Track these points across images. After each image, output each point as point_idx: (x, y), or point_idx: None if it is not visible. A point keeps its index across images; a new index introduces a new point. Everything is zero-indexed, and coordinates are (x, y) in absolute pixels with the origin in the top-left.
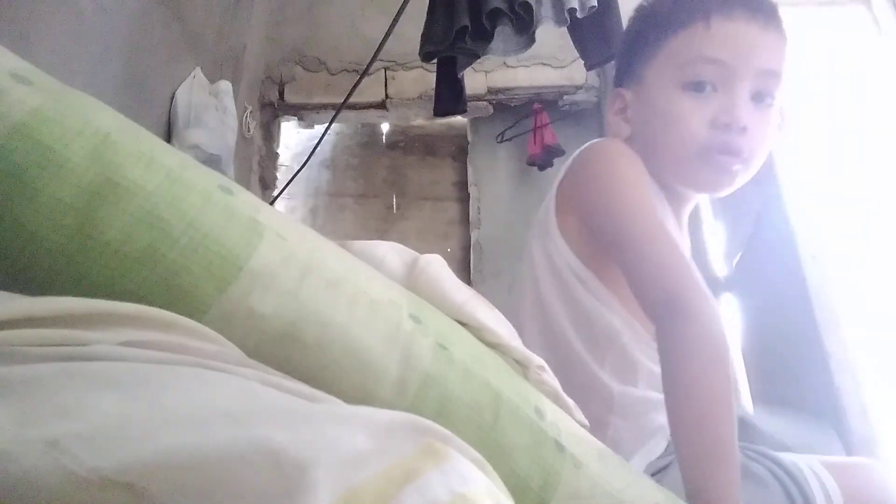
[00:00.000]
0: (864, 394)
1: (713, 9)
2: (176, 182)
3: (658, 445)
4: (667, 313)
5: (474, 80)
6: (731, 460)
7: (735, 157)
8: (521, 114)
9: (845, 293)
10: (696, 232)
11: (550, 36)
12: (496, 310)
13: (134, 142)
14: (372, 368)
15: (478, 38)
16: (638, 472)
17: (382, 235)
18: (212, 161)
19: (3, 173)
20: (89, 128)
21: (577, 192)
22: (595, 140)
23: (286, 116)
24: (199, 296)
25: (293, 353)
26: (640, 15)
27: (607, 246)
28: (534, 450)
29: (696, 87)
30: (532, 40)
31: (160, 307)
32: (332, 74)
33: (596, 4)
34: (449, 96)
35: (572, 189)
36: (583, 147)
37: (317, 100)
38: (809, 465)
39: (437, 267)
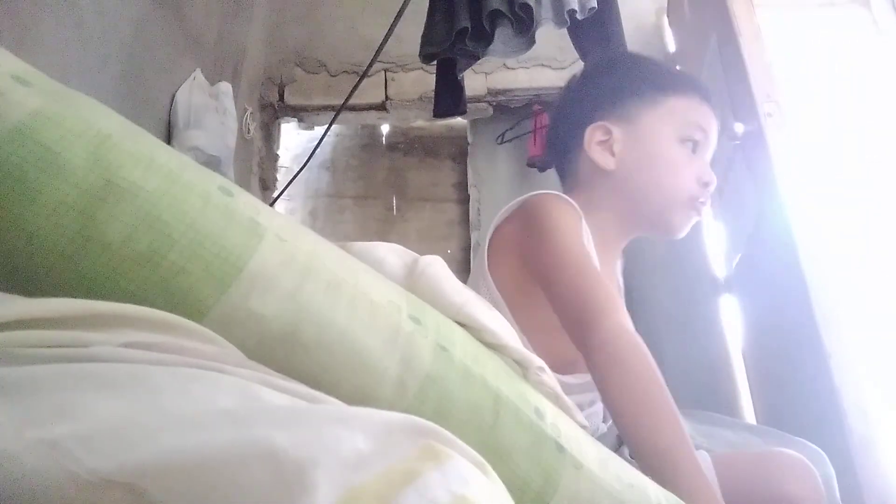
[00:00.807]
0: (864, 394)
1: (705, 93)
2: (176, 183)
3: None
4: (584, 338)
5: (474, 81)
6: (688, 457)
7: (702, 212)
8: (521, 115)
9: (845, 293)
10: (696, 233)
11: (550, 37)
12: (496, 311)
13: (134, 143)
14: (372, 369)
15: (478, 39)
16: (638, 473)
17: (382, 237)
18: (211, 162)
19: (4, 174)
20: (90, 129)
21: (521, 237)
22: (537, 193)
23: (286, 118)
24: (199, 297)
25: (293, 355)
26: (633, 66)
27: (542, 285)
28: (534, 451)
29: (689, 144)
30: (532, 42)
31: (160, 308)
32: (332, 76)
33: (596, 6)
34: (449, 98)
35: (514, 233)
36: (525, 198)
37: (317, 101)
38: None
39: (437, 268)
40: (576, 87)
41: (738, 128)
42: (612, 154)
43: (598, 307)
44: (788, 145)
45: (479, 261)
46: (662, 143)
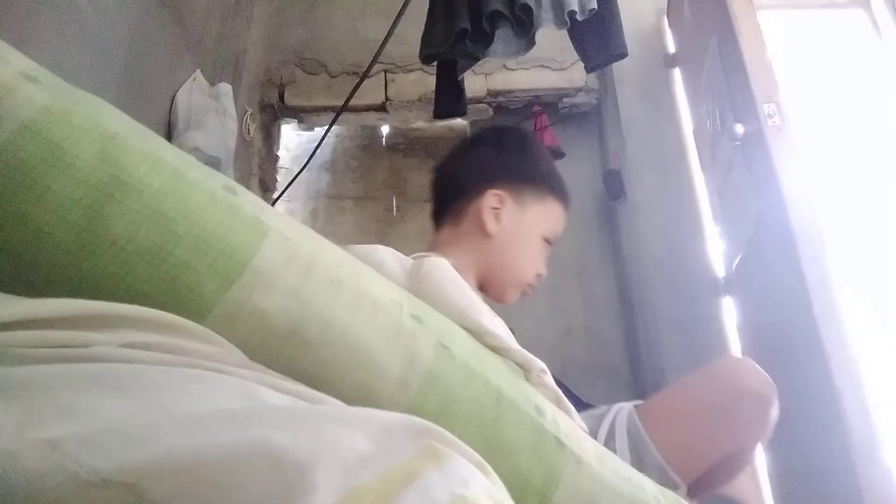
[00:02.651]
0: (865, 395)
1: (566, 200)
2: (181, 181)
3: None
4: None
5: (474, 82)
6: None
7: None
8: (520, 116)
9: (845, 294)
10: (697, 234)
11: (550, 38)
12: (498, 317)
13: (140, 142)
14: (374, 366)
15: (478, 40)
16: (634, 469)
17: (382, 238)
18: (212, 163)
19: (12, 170)
20: (97, 127)
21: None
22: (426, 255)
23: (286, 119)
24: (203, 293)
25: (296, 351)
26: (541, 158)
27: None
28: (535, 446)
29: (546, 243)
30: (532, 43)
31: (165, 304)
32: (333, 77)
33: (596, 7)
34: (449, 98)
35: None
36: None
37: (317, 102)
38: (619, 407)
39: (441, 271)
40: (488, 148)
41: (739, 129)
42: (497, 221)
43: None
44: (788, 146)
45: None
46: (533, 235)
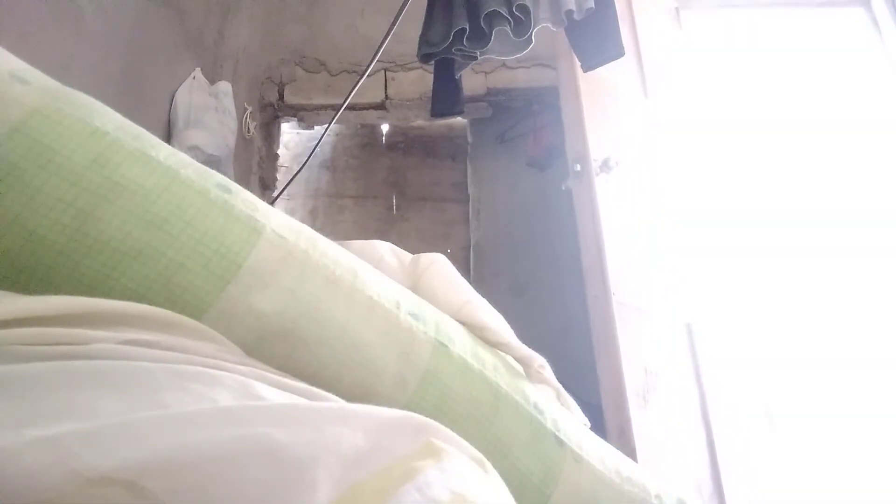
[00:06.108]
0: (625, 414)
1: None
2: (174, 181)
3: None
4: None
5: (474, 80)
6: None
7: None
8: (520, 115)
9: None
10: None
11: (550, 37)
12: (496, 312)
13: (132, 141)
14: (372, 365)
15: (476, 39)
16: (637, 467)
17: (382, 236)
18: (211, 162)
19: (3, 172)
20: (88, 128)
21: None
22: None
23: (286, 117)
24: (198, 293)
25: (293, 351)
26: None
27: None
28: (534, 444)
29: None
30: (530, 42)
31: (160, 305)
32: (332, 75)
33: (593, 6)
34: (446, 97)
35: None
36: None
37: (316, 101)
38: None
39: (441, 266)
40: None
41: (577, 167)
42: None
43: None
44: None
45: None
46: None
